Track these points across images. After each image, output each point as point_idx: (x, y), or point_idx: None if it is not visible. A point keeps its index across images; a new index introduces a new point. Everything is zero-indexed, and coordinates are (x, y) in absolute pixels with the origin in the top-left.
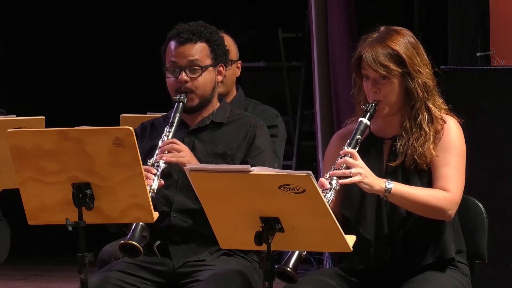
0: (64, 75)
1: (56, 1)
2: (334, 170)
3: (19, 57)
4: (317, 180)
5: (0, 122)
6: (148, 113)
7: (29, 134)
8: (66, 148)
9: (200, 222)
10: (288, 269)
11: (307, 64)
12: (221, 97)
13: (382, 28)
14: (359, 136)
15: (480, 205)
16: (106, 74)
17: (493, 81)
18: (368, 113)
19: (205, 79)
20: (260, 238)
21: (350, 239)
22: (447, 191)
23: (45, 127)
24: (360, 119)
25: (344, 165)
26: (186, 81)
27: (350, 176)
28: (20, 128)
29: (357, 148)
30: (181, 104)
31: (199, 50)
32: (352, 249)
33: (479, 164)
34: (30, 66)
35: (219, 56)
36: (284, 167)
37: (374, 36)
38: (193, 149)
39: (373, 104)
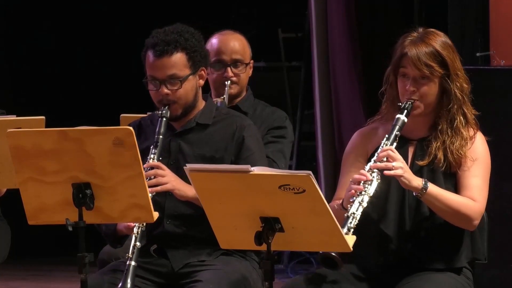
0: (64, 75)
1: (57, 1)
2: (375, 163)
3: (19, 57)
4: (318, 181)
5: (0, 122)
6: (148, 113)
7: (29, 134)
8: (66, 148)
9: (194, 227)
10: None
11: (307, 64)
12: (206, 95)
13: (421, 29)
14: (398, 132)
15: None
16: (106, 74)
17: (493, 81)
18: (406, 110)
19: (186, 89)
20: (260, 238)
21: (350, 239)
22: (474, 201)
23: (45, 127)
24: (398, 115)
25: (386, 159)
26: (167, 94)
27: (393, 169)
28: (20, 128)
29: (395, 143)
30: (164, 119)
31: (176, 62)
32: (352, 249)
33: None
34: (30, 66)
35: (198, 62)
36: None
37: (415, 35)
38: (180, 151)
39: (410, 102)
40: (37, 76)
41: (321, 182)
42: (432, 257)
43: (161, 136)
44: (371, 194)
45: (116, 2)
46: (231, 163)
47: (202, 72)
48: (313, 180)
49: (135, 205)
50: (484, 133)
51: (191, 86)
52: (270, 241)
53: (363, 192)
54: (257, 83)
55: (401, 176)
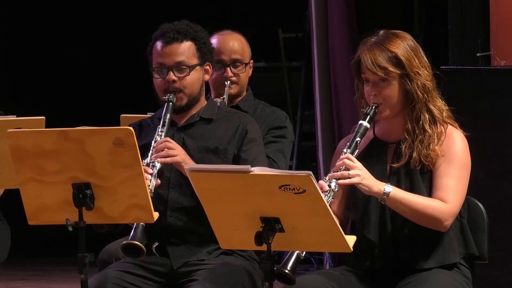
0: (64, 75)
1: (56, 1)
2: (333, 172)
3: (19, 58)
4: (317, 180)
5: (0, 122)
6: (148, 113)
7: (29, 134)
8: (66, 148)
9: (196, 220)
10: (286, 271)
11: (307, 64)
12: (208, 95)
13: (381, 32)
14: (359, 139)
15: (480, 205)
16: (106, 74)
17: (493, 81)
18: (368, 116)
19: (193, 78)
20: (260, 238)
21: (350, 239)
22: (445, 201)
23: (45, 127)
24: (360, 122)
25: (343, 167)
26: (174, 81)
27: (349, 178)
28: (20, 128)
29: (357, 150)
30: (171, 103)
31: (185, 49)
32: (352, 249)
33: (479, 165)
34: (30, 66)
35: (205, 55)
36: None
37: (373, 39)
38: (183, 145)
39: (373, 107)
40: (37, 76)
41: None
42: (420, 258)
43: (168, 115)
44: (328, 203)
45: (116, 2)
46: (234, 156)
47: (208, 67)
48: (313, 180)
49: (135, 205)
50: (484, 133)
51: (197, 77)
52: (270, 241)
53: None
54: (257, 83)
55: (359, 183)
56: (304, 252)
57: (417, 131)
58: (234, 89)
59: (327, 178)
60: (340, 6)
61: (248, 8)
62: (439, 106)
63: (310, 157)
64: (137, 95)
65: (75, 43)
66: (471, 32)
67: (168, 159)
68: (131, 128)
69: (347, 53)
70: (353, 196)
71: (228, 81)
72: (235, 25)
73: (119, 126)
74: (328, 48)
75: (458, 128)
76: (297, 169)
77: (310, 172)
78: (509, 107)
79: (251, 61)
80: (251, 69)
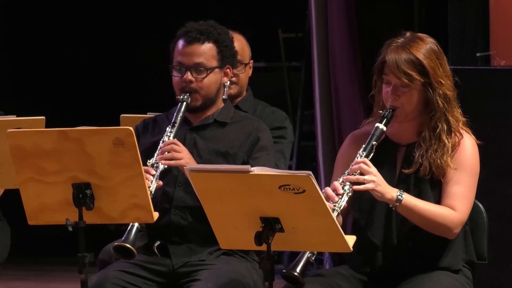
0: (64, 75)
1: (56, 2)
2: (348, 175)
3: (19, 58)
4: (318, 181)
5: (0, 122)
6: (148, 113)
7: (29, 134)
8: (66, 148)
9: (199, 220)
10: (295, 273)
11: (307, 64)
12: (226, 99)
13: (408, 34)
14: (375, 142)
15: (480, 205)
16: (106, 74)
17: (493, 81)
18: (385, 119)
19: (210, 80)
20: (260, 238)
21: (350, 239)
22: (454, 209)
23: (45, 127)
24: (377, 124)
25: (358, 171)
26: (191, 81)
27: (364, 183)
28: (20, 128)
29: (372, 153)
30: (184, 104)
31: (206, 51)
32: (352, 249)
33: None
34: (30, 66)
35: (226, 58)
36: None
37: (399, 41)
38: (194, 146)
39: (391, 110)
40: (37, 76)
41: (321, 182)
42: (422, 264)
43: (180, 116)
44: (341, 209)
45: (116, 2)
46: (243, 161)
47: (228, 70)
48: (313, 180)
49: (135, 205)
50: (485, 133)
51: (215, 79)
52: (270, 241)
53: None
54: (257, 83)
55: (373, 190)
56: (315, 255)
57: (432, 140)
58: (233, 89)
59: (341, 180)
60: (340, 6)
61: (248, 8)
62: (457, 117)
63: (310, 157)
64: (137, 95)
65: (75, 43)
66: (471, 32)
67: (172, 162)
68: (130, 128)
69: (347, 53)
70: (359, 196)
71: (228, 81)
72: (235, 25)
73: (119, 126)
74: (328, 48)
75: (471, 135)
76: (297, 169)
77: (310, 172)
78: (509, 107)
79: (251, 61)
80: (251, 69)
